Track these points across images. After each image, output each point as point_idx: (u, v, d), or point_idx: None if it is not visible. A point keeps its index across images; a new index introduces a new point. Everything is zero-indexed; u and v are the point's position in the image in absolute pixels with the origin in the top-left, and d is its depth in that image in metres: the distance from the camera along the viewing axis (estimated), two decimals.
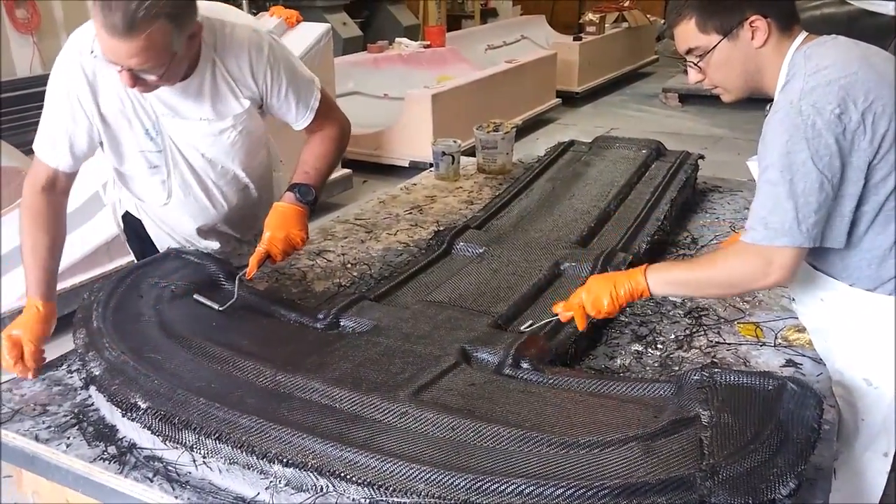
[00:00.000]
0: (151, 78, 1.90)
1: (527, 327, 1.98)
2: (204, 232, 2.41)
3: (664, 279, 1.84)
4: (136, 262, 2.42)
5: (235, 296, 2.02)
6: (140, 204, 2.38)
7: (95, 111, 2.06)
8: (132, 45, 1.79)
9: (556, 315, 1.95)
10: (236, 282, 2.07)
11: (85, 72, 2.02)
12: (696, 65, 1.80)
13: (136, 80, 1.89)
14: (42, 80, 2.14)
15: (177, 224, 2.39)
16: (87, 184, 3.24)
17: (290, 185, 2.26)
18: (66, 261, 4.03)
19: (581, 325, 1.92)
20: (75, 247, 4.11)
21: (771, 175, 1.64)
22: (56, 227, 2.10)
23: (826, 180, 1.60)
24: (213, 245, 2.43)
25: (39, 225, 2.07)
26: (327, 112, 2.37)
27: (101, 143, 2.14)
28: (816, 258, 1.79)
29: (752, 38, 1.73)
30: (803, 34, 1.75)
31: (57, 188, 2.12)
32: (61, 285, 3.98)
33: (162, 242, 2.42)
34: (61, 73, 2.06)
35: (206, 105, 2.13)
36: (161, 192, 2.27)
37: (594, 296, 1.87)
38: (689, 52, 1.80)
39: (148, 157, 2.18)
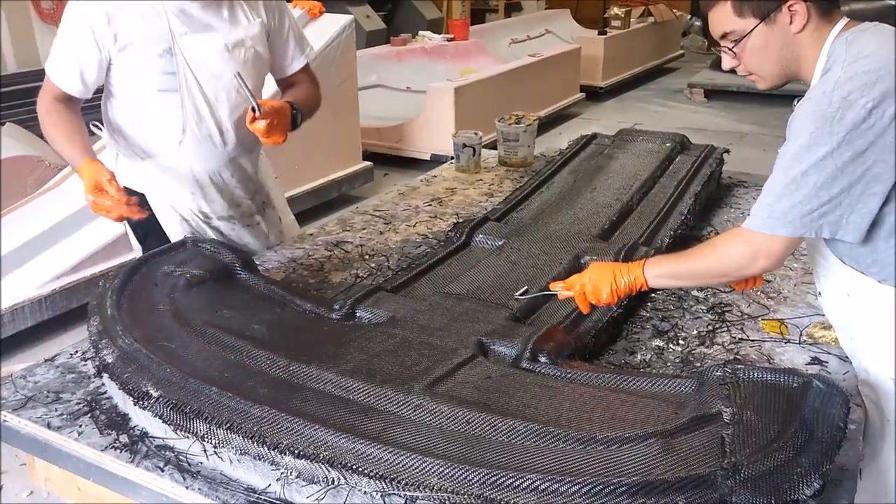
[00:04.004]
0: None
1: (521, 294, 2.02)
2: (216, 189, 2.44)
3: (660, 272, 1.83)
4: (138, 245, 2.51)
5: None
6: (146, 163, 2.39)
7: (111, 38, 2.17)
8: None
9: (553, 292, 1.97)
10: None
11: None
12: (730, 50, 1.75)
13: None
14: None
15: (187, 175, 2.40)
16: None
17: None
18: (84, 251, 4.08)
19: (585, 310, 1.93)
20: (93, 237, 4.12)
21: (787, 163, 1.60)
22: (81, 119, 2.29)
23: (843, 176, 1.55)
24: (223, 214, 2.47)
25: (71, 113, 2.26)
26: (311, 72, 2.63)
27: (109, 69, 2.25)
28: (845, 252, 1.74)
29: (791, 23, 1.67)
30: (844, 20, 1.70)
31: (71, 104, 2.28)
32: (79, 276, 4.03)
33: (167, 215, 2.43)
34: (76, 4, 2.19)
35: (223, 20, 2.29)
36: (174, 126, 2.31)
37: (594, 285, 1.87)
38: (723, 36, 1.75)
39: (163, 79, 2.25)
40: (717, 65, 9.35)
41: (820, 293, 1.93)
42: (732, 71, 1.80)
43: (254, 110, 2.23)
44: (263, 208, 2.64)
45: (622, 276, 1.83)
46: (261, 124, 2.24)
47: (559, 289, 1.95)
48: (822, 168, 1.56)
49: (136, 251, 2.53)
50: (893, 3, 7.26)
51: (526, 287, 2.06)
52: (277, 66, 2.52)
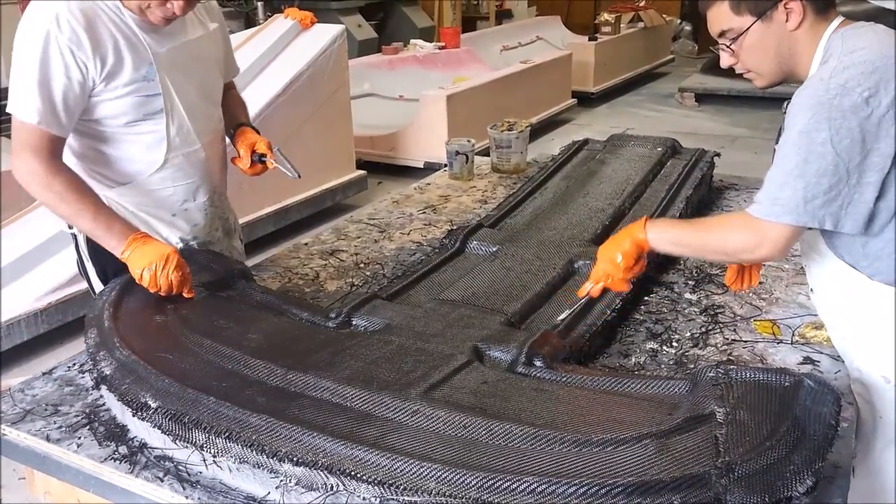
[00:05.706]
0: None
1: (563, 318, 2.00)
2: (197, 212, 2.28)
3: (664, 237, 1.84)
4: (98, 282, 2.23)
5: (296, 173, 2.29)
6: (117, 190, 2.16)
7: (98, 64, 1.97)
8: None
9: (584, 297, 1.96)
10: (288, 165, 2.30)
11: (75, 22, 1.93)
12: (728, 47, 1.77)
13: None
14: None
15: (168, 198, 2.21)
16: None
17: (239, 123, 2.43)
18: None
19: (625, 287, 1.92)
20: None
21: (787, 151, 1.62)
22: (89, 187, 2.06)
23: (842, 163, 1.57)
24: (203, 239, 2.32)
25: (81, 185, 1.99)
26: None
27: (92, 93, 2.01)
28: (838, 245, 1.76)
29: (787, 21, 1.69)
30: (839, 19, 1.72)
31: (59, 155, 1.99)
32: (74, 289, 4.02)
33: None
34: (41, 31, 1.91)
35: (189, 27, 2.20)
36: (155, 148, 2.13)
37: (607, 260, 1.88)
38: (721, 34, 1.77)
39: (146, 102, 2.08)
40: (708, 68, 9.39)
41: (812, 290, 1.95)
42: (730, 69, 1.82)
43: (262, 159, 2.31)
44: (232, 233, 2.49)
45: (625, 238, 1.85)
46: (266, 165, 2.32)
47: (588, 289, 1.94)
48: (822, 155, 1.57)
49: (97, 285, 2.25)
50: (886, 6, 7.28)
51: (565, 313, 2.03)
52: (224, 73, 2.42)
